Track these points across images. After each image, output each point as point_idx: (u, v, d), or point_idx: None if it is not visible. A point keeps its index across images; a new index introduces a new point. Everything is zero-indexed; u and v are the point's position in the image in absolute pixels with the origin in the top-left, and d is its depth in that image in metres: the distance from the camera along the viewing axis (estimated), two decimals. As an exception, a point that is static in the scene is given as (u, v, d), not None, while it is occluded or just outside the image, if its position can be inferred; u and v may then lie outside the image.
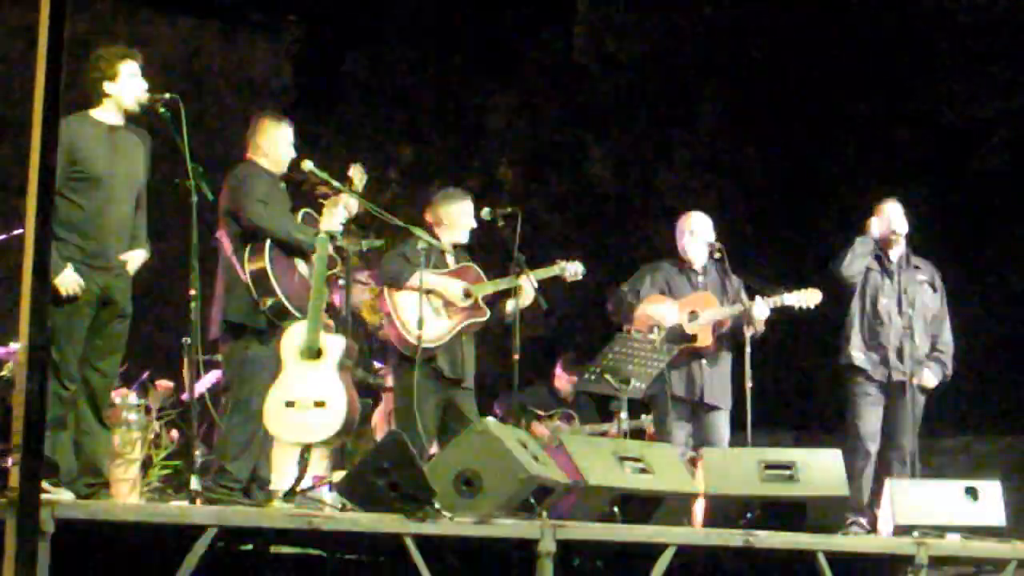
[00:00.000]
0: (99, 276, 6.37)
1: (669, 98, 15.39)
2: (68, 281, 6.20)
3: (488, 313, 8.00)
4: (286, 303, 6.94)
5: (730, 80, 15.02)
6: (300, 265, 7.13)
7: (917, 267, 8.80)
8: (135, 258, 6.63)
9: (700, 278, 8.73)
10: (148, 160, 6.68)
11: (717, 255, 8.61)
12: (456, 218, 8.09)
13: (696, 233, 8.72)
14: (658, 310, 8.53)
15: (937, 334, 8.77)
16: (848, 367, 8.73)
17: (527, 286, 7.93)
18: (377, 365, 9.58)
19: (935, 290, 8.82)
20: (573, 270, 8.30)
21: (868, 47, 14.27)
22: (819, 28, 14.46)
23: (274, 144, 7.27)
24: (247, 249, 6.99)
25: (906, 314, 8.65)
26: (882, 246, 8.76)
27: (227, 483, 6.86)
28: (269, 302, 6.93)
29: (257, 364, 7.02)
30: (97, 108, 6.52)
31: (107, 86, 6.50)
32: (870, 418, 8.62)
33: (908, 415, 8.57)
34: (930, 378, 8.68)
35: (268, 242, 6.97)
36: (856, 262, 8.69)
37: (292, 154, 7.31)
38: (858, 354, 8.70)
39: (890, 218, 8.74)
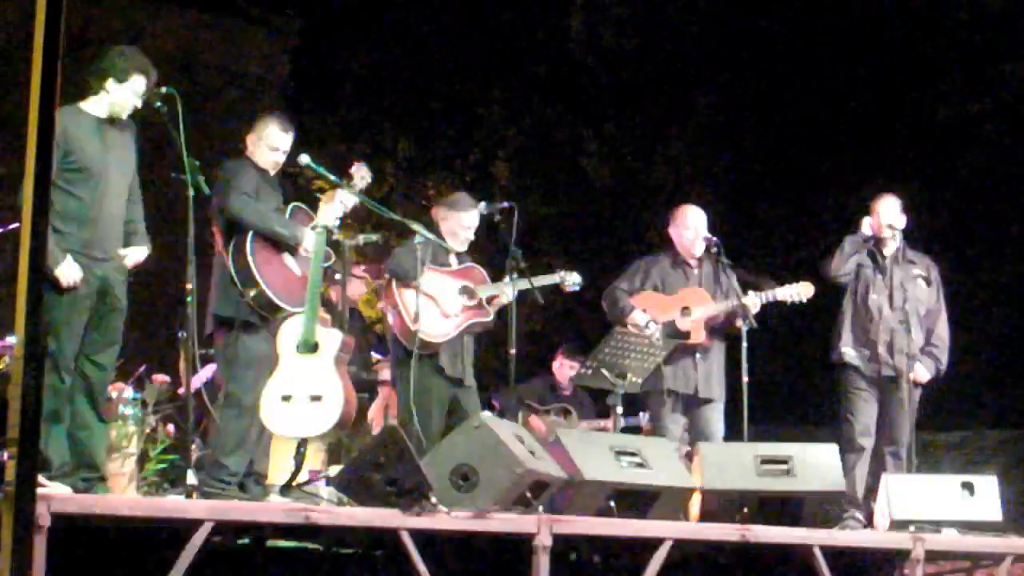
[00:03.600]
0: (97, 267, 6.36)
1: (665, 92, 15.41)
2: (69, 271, 6.19)
3: (492, 315, 8.00)
4: (269, 293, 6.92)
5: (726, 74, 15.04)
6: (287, 258, 7.11)
7: (912, 262, 8.77)
8: (136, 253, 6.62)
9: (695, 271, 8.72)
10: (137, 151, 6.67)
11: (713, 249, 8.62)
12: (453, 227, 8.07)
13: (690, 227, 8.71)
14: (647, 318, 8.49)
15: (931, 328, 8.75)
16: (839, 364, 8.74)
17: (510, 291, 7.93)
18: (376, 356, 9.58)
19: (929, 284, 8.79)
20: (572, 280, 8.28)
21: (864, 42, 14.29)
22: (814, 23, 14.48)
23: (270, 146, 7.24)
24: (232, 241, 6.99)
25: (898, 309, 8.63)
26: (876, 242, 8.75)
27: (222, 477, 6.86)
28: (252, 293, 6.91)
29: (248, 357, 7.01)
30: (89, 100, 6.49)
31: (111, 84, 6.47)
32: (863, 412, 8.62)
33: (901, 410, 8.56)
34: (922, 373, 8.66)
35: (250, 233, 6.96)
36: (845, 262, 8.68)
37: (281, 160, 7.29)
38: (848, 351, 8.70)
39: (885, 213, 8.72)
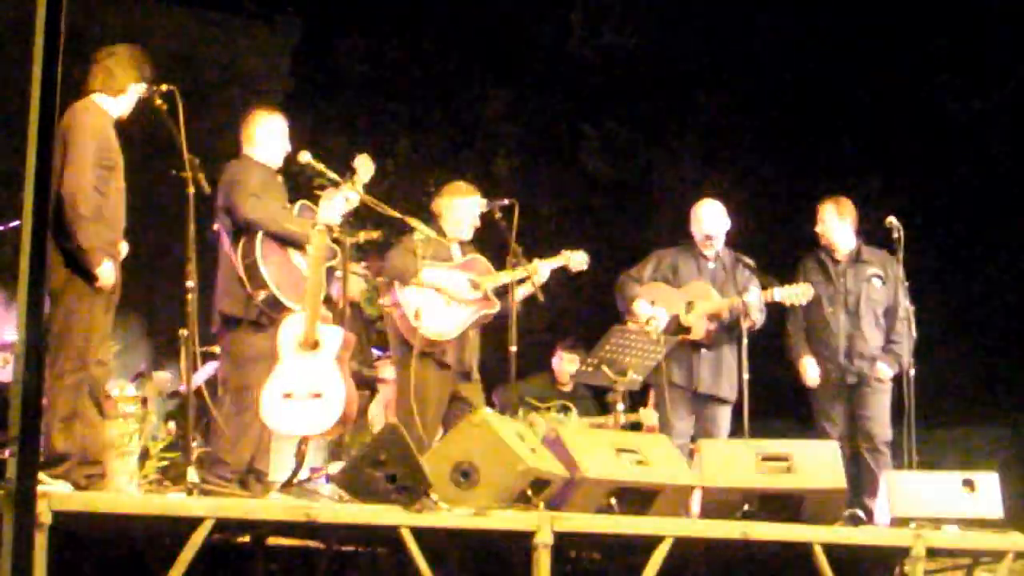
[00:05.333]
0: (116, 265, 6.38)
1: (666, 88, 15.39)
2: (108, 273, 6.21)
3: (498, 305, 8.00)
4: (279, 295, 6.95)
5: (728, 70, 15.03)
6: (295, 257, 7.12)
7: (866, 261, 8.84)
8: (123, 250, 6.65)
9: (710, 264, 8.73)
10: None
11: (721, 247, 8.66)
12: (457, 214, 8.07)
13: (700, 223, 8.74)
14: (651, 310, 8.50)
15: (890, 326, 8.80)
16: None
17: (538, 275, 7.95)
18: (377, 353, 9.58)
19: (885, 282, 8.83)
20: (578, 259, 8.31)
21: (867, 37, 14.27)
22: (817, 18, 14.46)
23: (267, 137, 7.28)
24: (240, 243, 7.01)
25: (852, 314, 8.73)
26: (828, 248, 8.84)
27: (223, 473, 6.86)
28: (262, 295, 6.94)
29: (254, 355, 7.02)
30: (104, 98, 6.47)
31: (134, 86, 6.50)
32: (834, 413, 8.70)
33: (871, 407, 8.67)
34: (884, 370, 8.71)
35: (259, 235, 6.98)
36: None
37: (287, 146, 7.31)
38: (811, 369, 8.77)
39: (825, 220, 8.83)
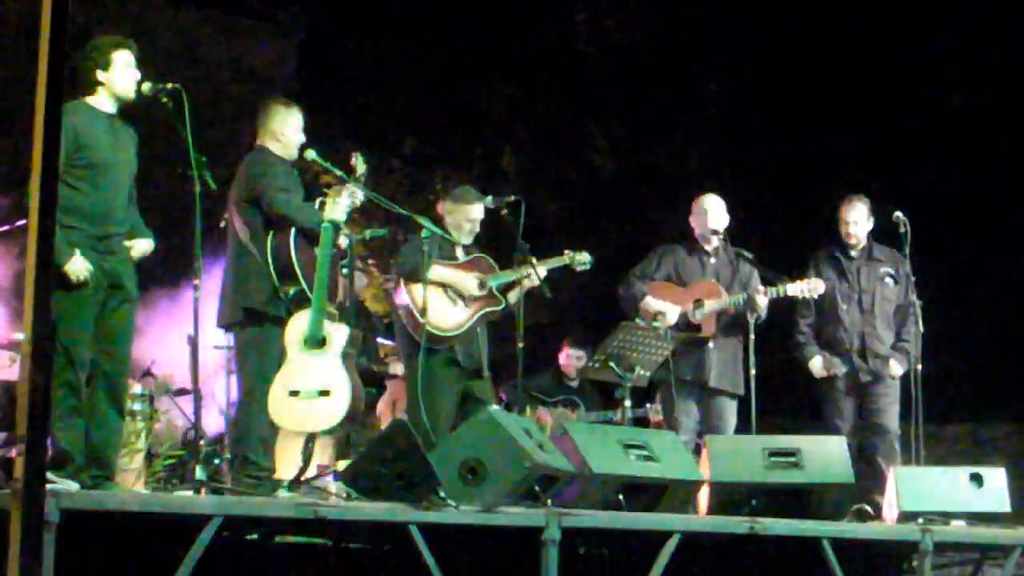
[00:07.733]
0: (106, 261, 6.36)
1: (671, 84, 15.40)
2: (78, 267, 6.20)
3: (503, 302, 8.00)
4: (308, 291, 6.92)
5: (733, 65, 15.02)
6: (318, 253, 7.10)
7: (879, 259, 8.86)
8: (142, 245, 6.63)
9: (712, 260, 8.72)
10: (137, 155, 6.67)
11: (721, 241, 8.64)
12: (459, 220, 8.07)
13: (703, 217, 8.73)
14: (661, 304, 8.53)
15: (902, 324, 8.81)
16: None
17: (535, 276, 7.94)
18: (383, 341, 9.59)
19: (897, 281, 8.84)
20: (581, 260, 8.31)
21: (871, 31, 14.26)
22: (822, 12, 14.46)
23: (285, 129, 7.26)
24: (270, 236, 6.97)
25: (867, 312, 8.74)
26: (844, 244, 8.85)
27: (255, 474, 6.83)
28: (292, 290, 6.90)
29: (276, 352, 6.97)
30: (92, 96, 6.49)
31: (100, 74, 6.48)
32: (844, 409, 8.72)
33: (883, 403, 8.71)
34: (896, 368, 8.75)
35: (294, 231, 6.96)
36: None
37: (302, 139, 7.29)
38: (821, 364, 8.77)
39: (857, 220, 8.82)
